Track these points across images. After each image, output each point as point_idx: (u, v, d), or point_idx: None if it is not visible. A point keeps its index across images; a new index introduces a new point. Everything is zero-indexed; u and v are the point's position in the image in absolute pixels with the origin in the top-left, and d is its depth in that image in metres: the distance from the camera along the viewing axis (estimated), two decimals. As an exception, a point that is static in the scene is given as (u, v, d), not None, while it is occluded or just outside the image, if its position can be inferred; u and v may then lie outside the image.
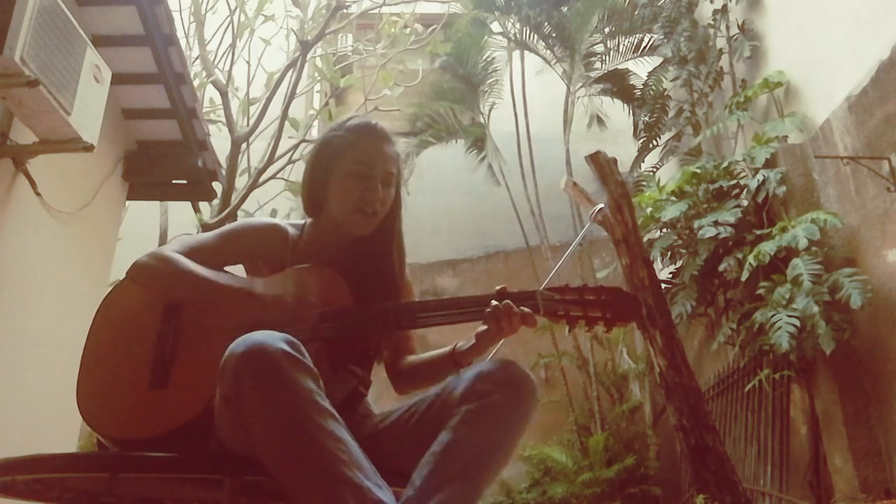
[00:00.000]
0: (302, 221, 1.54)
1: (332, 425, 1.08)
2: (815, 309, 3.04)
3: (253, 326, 1.29)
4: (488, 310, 1.30)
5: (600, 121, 6.52)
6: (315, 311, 1.33)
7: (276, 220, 1.53)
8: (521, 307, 1.31)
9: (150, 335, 1.34)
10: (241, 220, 1.51)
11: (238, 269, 1.49)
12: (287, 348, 1.09)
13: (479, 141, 6.23)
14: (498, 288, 1.35)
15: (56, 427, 2.99)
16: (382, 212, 1.46)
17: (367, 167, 1.43)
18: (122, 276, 1.43)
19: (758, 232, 3.59)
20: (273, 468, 1.08)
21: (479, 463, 1.14)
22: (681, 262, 4.23)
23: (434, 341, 1.53)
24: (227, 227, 1.50)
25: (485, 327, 1.34)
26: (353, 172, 1.43)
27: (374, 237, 1.48)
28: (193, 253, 1.40)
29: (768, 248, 3.36)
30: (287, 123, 4.73)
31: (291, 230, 1.49)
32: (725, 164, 3.98)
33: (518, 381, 1.20)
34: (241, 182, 4.66)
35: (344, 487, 1.02)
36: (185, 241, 1.44)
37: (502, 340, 1.36)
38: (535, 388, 1.23)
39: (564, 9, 5.85)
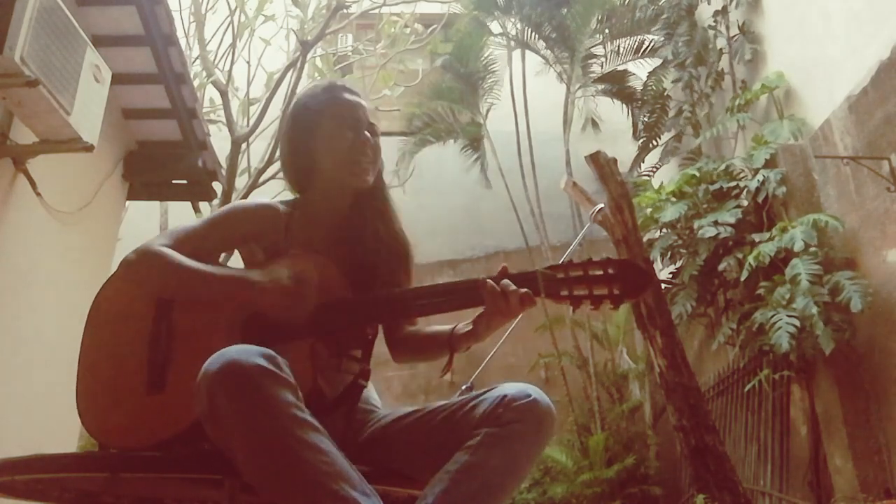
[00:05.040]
0: (292, 198, 1.50)
1: (314, 437, 1.05)
2: (815, 309, 3.05)
3: (248, 321, 1.29)
4: (484, 289, 1.25)
5: (595, 124, 6.52)
6: (315, 287, 1.29)
7: (267, 200, 1.49)
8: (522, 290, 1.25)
9: (143, 337, 1.30)
10: (231, 203, 1.48)
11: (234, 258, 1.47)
12: (263, 362, 1.06)
13: (475, 141, 6.22)
14: (500, 269, 1.30)
15: (56, 427, 2.98)
16: (377, 162, 1.44)
17: (351, 118, 1.42)
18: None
19: (757, 238, 3.59)
20: (256, 484, 1.07)
21: (494, 487, 1.14)
22: (681, 262, 4.23)
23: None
24: (216, 211, 1.45)
25: (482, 310, 1.29)
26: (339, 125, 1.40)
27: (367, 200, 1.45)
28: (183, 242, 1.34)
29: (768, 248, 3.36)
30: (287, 123, 4.72)
31: (283, 207, 1.44)
32: (725, 167, 3.98)
33: (542, 414, 1.19)
34: (241, 182, 4.66)
35: (328, 500, 1.01)
36: (173, 232, 1.38)
37: (507, 331, 1.33)
38: (555, 419, 1.21)
39: (564, 10, 5.84)
